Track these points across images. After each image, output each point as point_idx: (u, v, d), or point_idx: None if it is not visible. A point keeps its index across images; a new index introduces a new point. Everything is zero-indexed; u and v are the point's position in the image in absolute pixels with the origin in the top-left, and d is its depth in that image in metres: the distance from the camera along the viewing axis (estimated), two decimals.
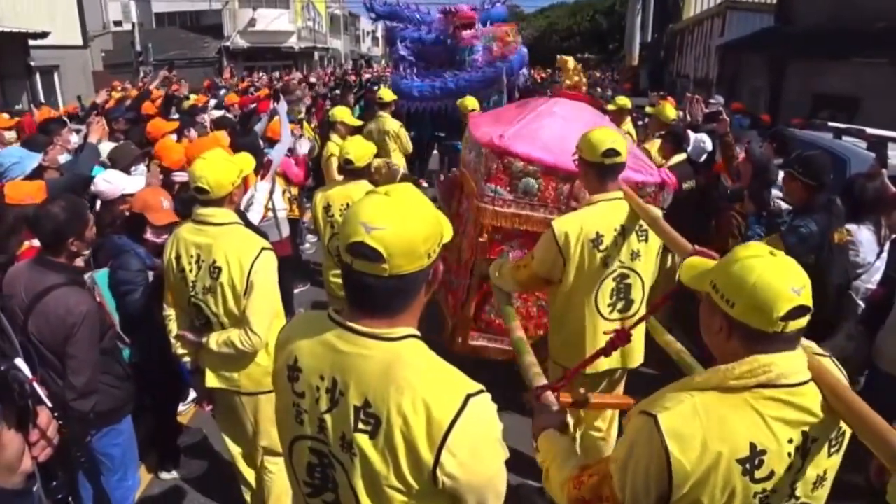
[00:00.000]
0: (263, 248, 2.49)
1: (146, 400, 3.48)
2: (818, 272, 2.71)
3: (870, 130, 5.70)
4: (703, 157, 5.01)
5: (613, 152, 2.54)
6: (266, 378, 2.57)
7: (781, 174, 4.53)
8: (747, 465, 1.28)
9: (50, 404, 1.03)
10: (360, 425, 1.23)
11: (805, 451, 1.31)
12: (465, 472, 1.22)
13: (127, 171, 4.36)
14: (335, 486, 1.33)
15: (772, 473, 1.29)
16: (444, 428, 1.19)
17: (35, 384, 1.00)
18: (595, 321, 2.69)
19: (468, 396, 1.22)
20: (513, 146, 3.22)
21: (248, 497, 2.99)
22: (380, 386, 1.22)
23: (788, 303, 1.24)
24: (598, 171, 2.60)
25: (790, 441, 1.29)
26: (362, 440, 1.23)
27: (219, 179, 2.45)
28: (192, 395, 4.15)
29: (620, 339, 2.05)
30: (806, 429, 1.30)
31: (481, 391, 1.25)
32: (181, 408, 4.01)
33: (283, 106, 5.17)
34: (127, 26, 23.75)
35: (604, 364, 2.65)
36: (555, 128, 3.40)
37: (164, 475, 3.54)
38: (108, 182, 3.56)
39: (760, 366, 1.28)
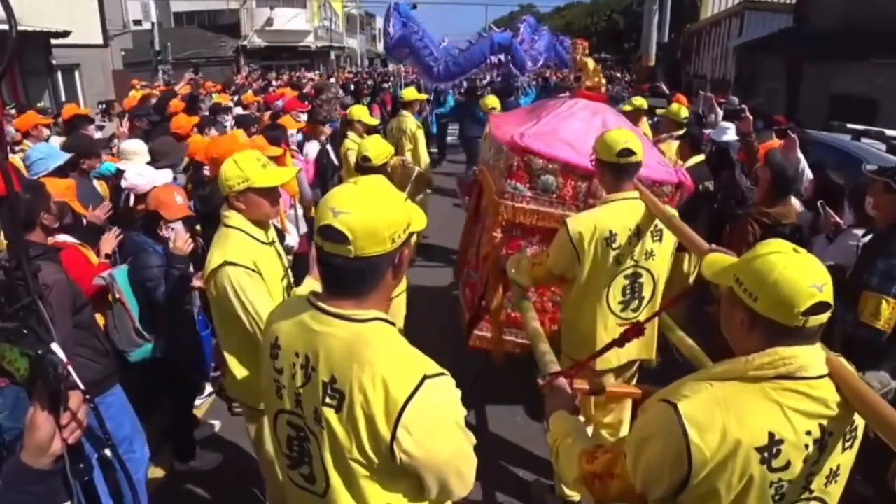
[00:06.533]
0: (226, 262, 2.29)
1: (167, 393, 3.55)
2: None
3: (890, 132, 5.61)
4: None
5: (628, 152, 2.58)
6: (236, 387, 2.56)
7: (806, 179, 4.42)
8: (765, 454, 1.30)
9: (83, 387, 1.06)
10: (328, 400, 1.32)
11: (822, 444, 1.32)
12: (420, 449, 1.29)
13: (175, 167, 4.52)
14: (310, 459, 1.42)
15: (788, 463, 1.31)
16: (399, 404, 1.26)
17: (69, 367, 1.04)
18: (605, 318, 2.72)
19: (425, 377, 1.29)
20: (533, 144, 3.25)
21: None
22: (344, 363, 1.30)
23: (810, 298, 1.26)
24: (614, 170, 2.65)
25: (808, 433, 1.31)
26: (329, 414, 1.32)
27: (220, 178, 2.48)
28: (209, 388, 4.23)
29: (634, 331, 2.07)
30: (823, 422, 1.32)
31: (441, 374, 1.32)
32: (197, 402, 4.06)
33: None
34: (146, 25, 23.97)
35: (623, 357, 2.73)
36: (574, 127, 3.42)
37: (180, 467, 3.59)
38: (141, 175, 3.79)
39: (781, 358, 1.30)
